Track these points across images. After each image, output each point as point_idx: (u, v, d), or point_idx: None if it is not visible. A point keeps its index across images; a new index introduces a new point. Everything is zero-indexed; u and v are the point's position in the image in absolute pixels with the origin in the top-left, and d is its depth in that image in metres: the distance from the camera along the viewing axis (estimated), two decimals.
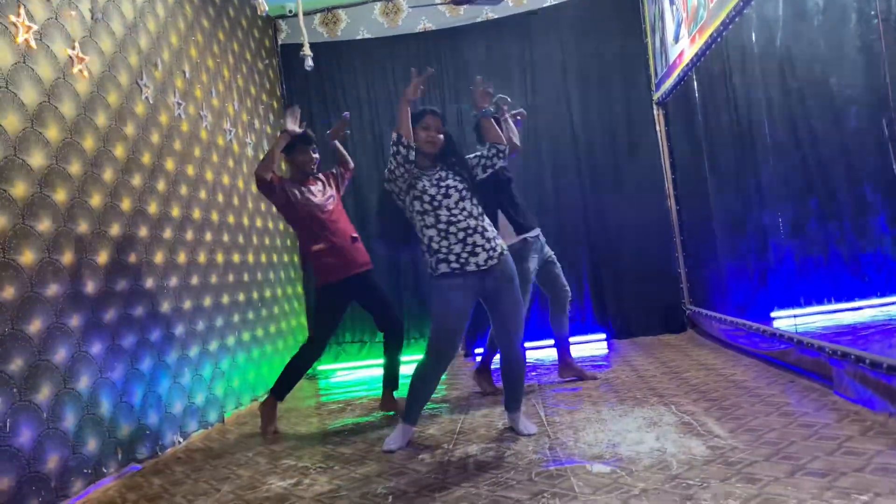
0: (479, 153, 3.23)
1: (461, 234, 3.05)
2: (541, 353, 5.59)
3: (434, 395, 4.28)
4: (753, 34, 3.62)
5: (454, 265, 3.05)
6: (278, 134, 4.13)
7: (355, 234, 4.05)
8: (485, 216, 3.17)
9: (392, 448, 3.18)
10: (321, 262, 3.93)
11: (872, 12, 2.50)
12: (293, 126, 3.90)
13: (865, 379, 2.83)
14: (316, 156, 4.04)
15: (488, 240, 3.09)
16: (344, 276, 3.92)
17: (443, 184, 3.11)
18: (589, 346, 5.69)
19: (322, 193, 4.04)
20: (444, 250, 3.06)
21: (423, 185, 3.10)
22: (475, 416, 3.68)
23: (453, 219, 3.06)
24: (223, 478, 3.08)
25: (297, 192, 3.93)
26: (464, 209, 3.08)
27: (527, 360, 3.30)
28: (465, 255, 3.04)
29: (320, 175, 4.14)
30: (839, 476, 2.15)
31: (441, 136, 3.18)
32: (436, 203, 3.08)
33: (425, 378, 3.22)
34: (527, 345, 5.56)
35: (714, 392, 3.51)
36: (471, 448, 3.05)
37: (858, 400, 2.89)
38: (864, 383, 2.85)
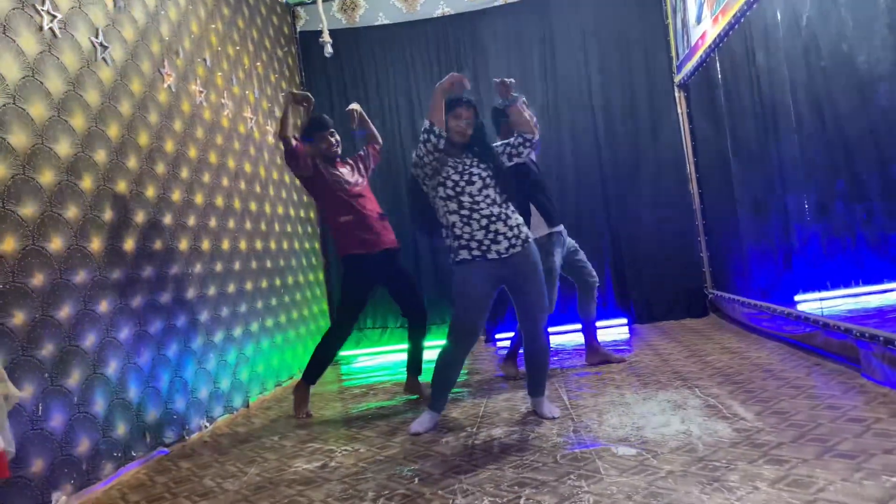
0: (506, 141, 3.22)
1: (484, 221, 3.06)
2: (563, 338, 5.58)
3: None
4: (778, 13, 3.56)
5: (475, 252, 3.06)
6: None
7: (383, 212, 4.06)
8: (509, 204, 3.16)
9: (418, 431, 3.20)
10: (347, 235, 3.91)
11: None
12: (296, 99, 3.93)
13: (894, 361, 2.80)
14: (335, 139, 4.03)
15: (511, 227, 3.09)
16: (369, 250, 3.89)
17: (467, 171, 3.11)
18: (610, 331, 5.67)
19: (351, 175, 4.05)
20: (465, 237, 3.07)
21: (448, 172, 3.10)
22: (497, 400, 3.68)
23: (475, 206, 3.07)
24: (250, 461, 3.12)
25: (325, 167, 3.95)
26: (487, 196, 3.08)
27: (550, 346, 3.30)
28: (486, 242, 3.05)
29: (348, 159, 4.15)
30: (869, 457, 2.13)
31: (470, 130, 3.16)
32: (458, 189, 3.09)
33: (448, 364, 3.23)
34: (549, 330, 5.59)
35: (738, 375, 3.49)
36: (495, 431, 3.07)
37: (887, 382, 2.86)
38: (893, 366, 2.82)
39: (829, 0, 3.05)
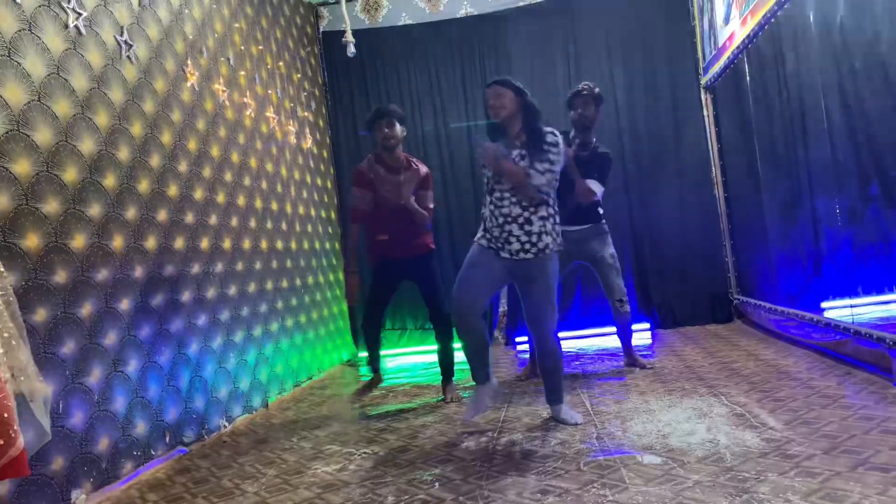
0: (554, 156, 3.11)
1: (500, 220, 3.10)
2: (583, 342, 5.51)
3: (470, 384, 4.29)
4: (811, 14, 3.48)
5: (491, 243, 3.14)
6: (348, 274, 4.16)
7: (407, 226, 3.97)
8: (540, 209, 3.08)
9: (467, 419, 3.28)
10: (377, 247, 4.02)
11: None
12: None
13: None
14: (390, 131, 3.88)
15: (527, 233, 3.07)
16: (390, 257, 3.96)
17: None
18: (618, 338, 5.58)
19: (399, 185, 3.92)
20: (489, 226, 3.15)
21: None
22: (519, 404, 3.64)
23: (499, 203, 3.10)
24: (268, 462, 3.10)
25: (378, 191, 3.93)
26: (514, 195, 3.07)
27: (562, 350, 3.25)
28: (501, 240, 3.10)
29: (417, 166, 4.03)
30: None
31: (504, 111, 3.10)
32: (490, 185, 3.15)
33: (464, 340, 3.24)
34: (570, 334, 5.53)
35: (766, 383, 3.42)
36: (516, 436, 3.02)
37: None
38: None
39: (864, 0, 2.98)
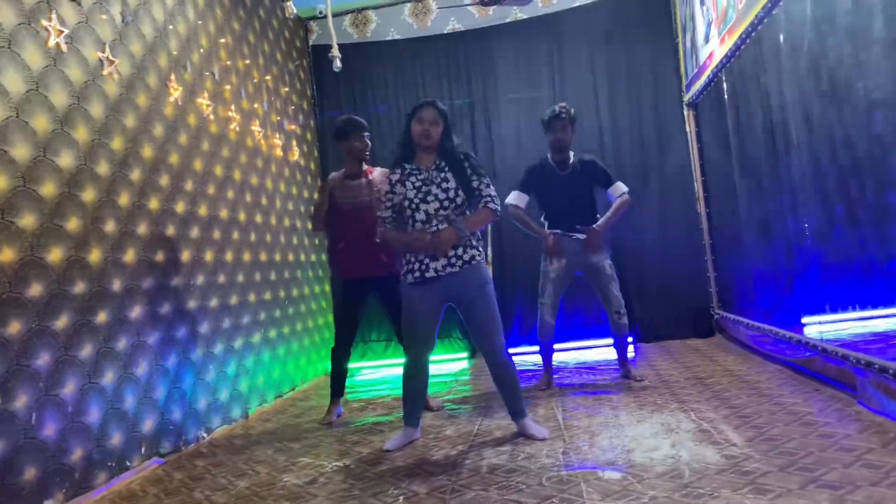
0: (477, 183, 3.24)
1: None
2: (565, 355, 5.56)
3: (454, 397, 4.33)
4: (781, 35, 3.55)
5: (416, 274, 3.15)
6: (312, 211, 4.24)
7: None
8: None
9: (390, 448, 3.25)
10: (339, 257, 4.09)
11: None
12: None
13: (889, 390, 2.77)
14: (369, 143, 4.12)
15: (453, 247, 3.13)
16: (355, 276, 4.03)
17: (425, 188, 3.17)
18: (614, 350, 5.62)
19: (364, 194, 4.04)
20: (411, 259, 3.18)
21: (407, 187, 3.17)
22: (494, 418, 3.67)
23: (426, 226, 3.15)
24: (241, 473, 3.13)
25: (337, 200, 4.06)
26: (443, 215, 3.15)
27: (514, 363, 3.29)
28: (426, 261, 3.13)
29: (378, 174, 4.10)
30: (854, 489, 2.10)
31: (434, 133, 3.20)
32: (413, 206, 3.17)
33: (408, 376, 3.32)
34: (555, 346, 5.58)
35: (736, 399, 3.46)
36: (485, 451, 3.06)
37: (883, 411, 2.83)
38: (889, 395, 2.78)
39: (829, 23, 3.04)
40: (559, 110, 4.20)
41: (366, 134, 4.09)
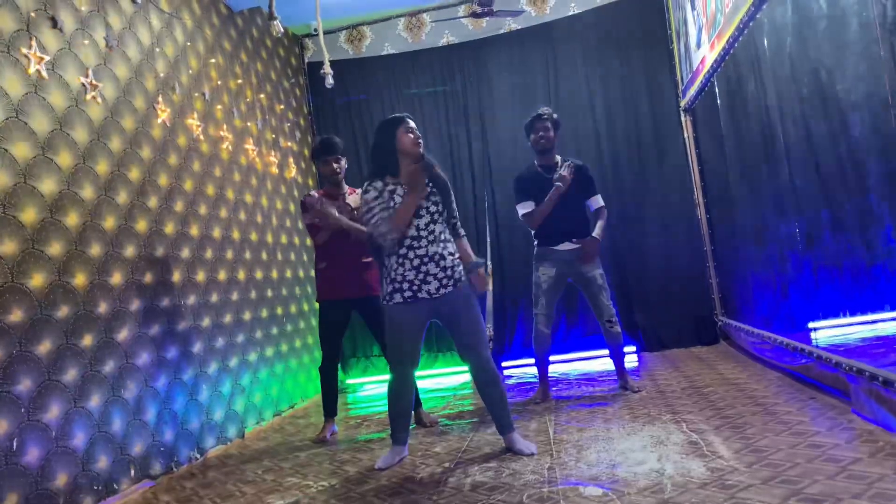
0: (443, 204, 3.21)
1: (416, 262, 3.07)
2: (567, 367, 5.50)
3: (450, 412, 4.30)
4: (766, 40, 3.51)
5: (407, 294, 3.08)
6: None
7: (367, 259, 4.02)
8: (448, 243, 3.18)
9: (381, 466, 3.21)
10: (319, 278, 4.11)
11: (872, 16, 2.40)
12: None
13: (881, 398, 2.70)
14: (337, 165, 4.07)
15: (443, 268, 3.10)
16: (337, 297, 4.01)
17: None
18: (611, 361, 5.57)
19: (349, 212, 4.05)
20: (398, 278, 3.09)
21: (396, 201, 3.10)
22: (485, 434, 3.63)
23: (413, 245, 3.08)
24: (228, 495, 3.12)
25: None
26: (431, 232, 3.10)
27: (503, 376, 3.26)
28: (417, 282, 3.07)
29: (357, 196, 4.09)
30: (836, 502, 2.05)
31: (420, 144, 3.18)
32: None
33: (393, 394, 3.29)
34: (555, 358, 5.53)
35: (730, 409, 3.40)
36: (471, 468, 3.02)
37: (874, 419, 2.76)
38: (880, 402, 2.71)
39: (808, 28, 3.00)
40: (542, 111, 4.21)
41: (338, 156, 4.06)
